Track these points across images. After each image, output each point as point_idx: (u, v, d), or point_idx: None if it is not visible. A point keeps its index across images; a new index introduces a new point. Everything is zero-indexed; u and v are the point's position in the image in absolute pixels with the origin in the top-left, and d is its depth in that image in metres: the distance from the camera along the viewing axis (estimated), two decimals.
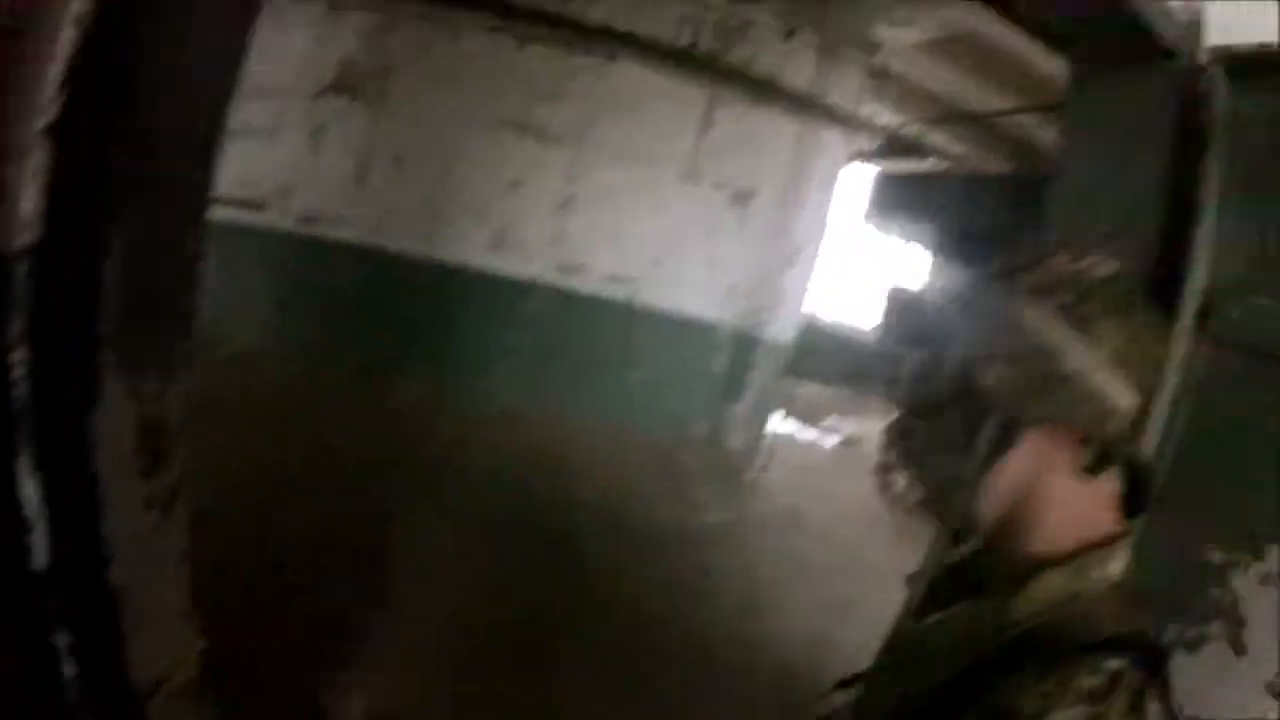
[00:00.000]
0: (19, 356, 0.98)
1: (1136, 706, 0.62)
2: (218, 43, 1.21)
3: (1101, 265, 0.74)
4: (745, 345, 5.70)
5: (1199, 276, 1.47)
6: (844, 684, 0.88)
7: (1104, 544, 0.72)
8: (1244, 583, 1.29)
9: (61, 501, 1.04)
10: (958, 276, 0.81)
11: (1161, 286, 1.48)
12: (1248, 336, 1.40)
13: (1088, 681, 0.61)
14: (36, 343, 0.99)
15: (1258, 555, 1.29)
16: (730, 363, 5.71)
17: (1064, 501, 0.73)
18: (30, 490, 1.01)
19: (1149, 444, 0.79)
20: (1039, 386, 0.69)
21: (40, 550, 1.04)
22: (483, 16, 5.82)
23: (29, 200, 0.97)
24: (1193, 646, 1.31)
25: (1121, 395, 0.70)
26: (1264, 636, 1.26)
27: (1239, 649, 1.27)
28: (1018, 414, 0.71)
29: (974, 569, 0.78)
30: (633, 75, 5.71)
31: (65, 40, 0.96)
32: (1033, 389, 0.69)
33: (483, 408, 5.38)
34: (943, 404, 0.76)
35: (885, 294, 10.05)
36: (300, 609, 2.86)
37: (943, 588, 0.80)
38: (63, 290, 1.02)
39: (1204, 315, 1.45)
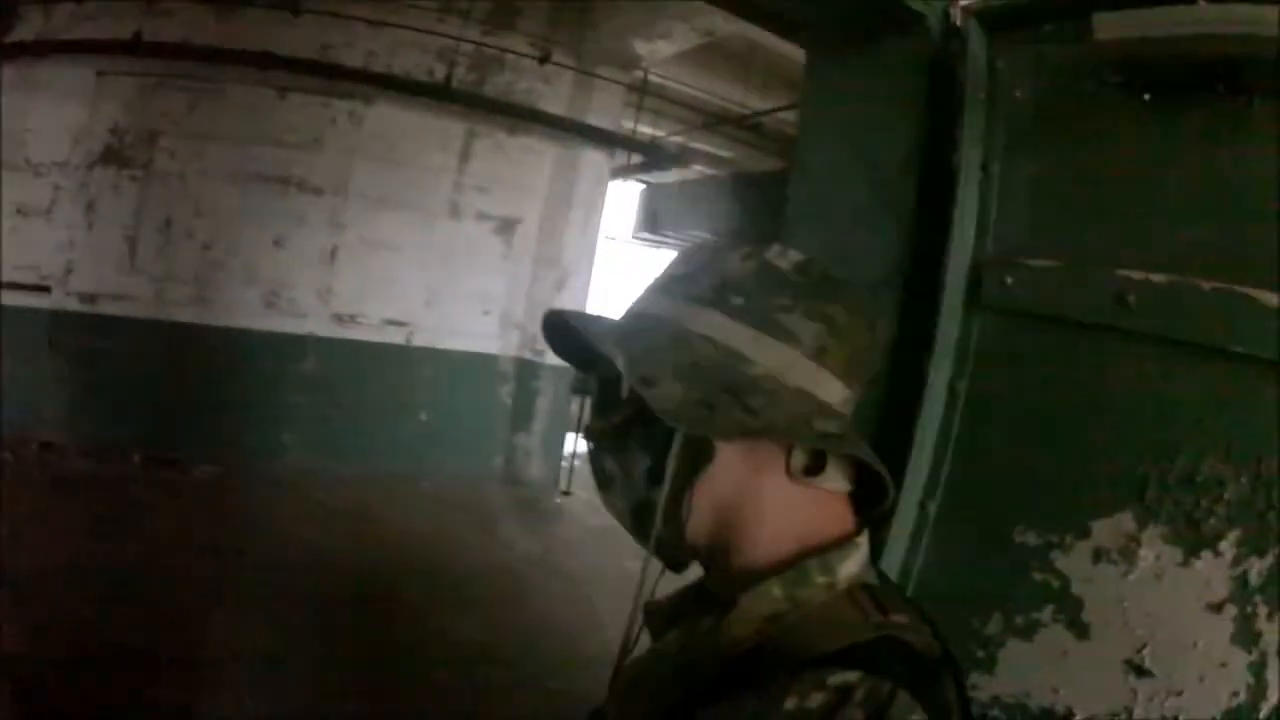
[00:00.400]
0: None
1: None
2: None
3: (782, 257, 0.67)
4: (529, 372, 5.86)
5: (963, 247, 1.34)
6: None
7: (830, 547, 0.66)
8: (1071, 562, 1.17)
9: None
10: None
11: (926, 261, 1.38)
12: (1028, 302, 1.26)
13: (814, 698, 0.55)
14: None
15: (1082, 532, 1.16)
16: (515, 392, 5.88)
17: (779, 508, 0.67)
18: None
19: (863, 432, 0.70)
20: (721, 398, 0.62)
21: None
22: (244, 70, 5.79)
23: None
24: (1027, 634, 1.21)
25: (828, 388, 0.65)
26: (1108, 614, 1.14)
27: (1080, 632, 1.15)
28: (702, 430, 0.63)
29: (701, 593, 0.72)
30: (390, 117, 5.75)
31: None
32: (713, 401, 0.62)
33: (279, 475, 5.49)
34: (623, 430, 0.70)
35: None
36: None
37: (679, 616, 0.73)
38: None
39: (974, 286, 1.33)
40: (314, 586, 4.09)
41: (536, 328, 5.90)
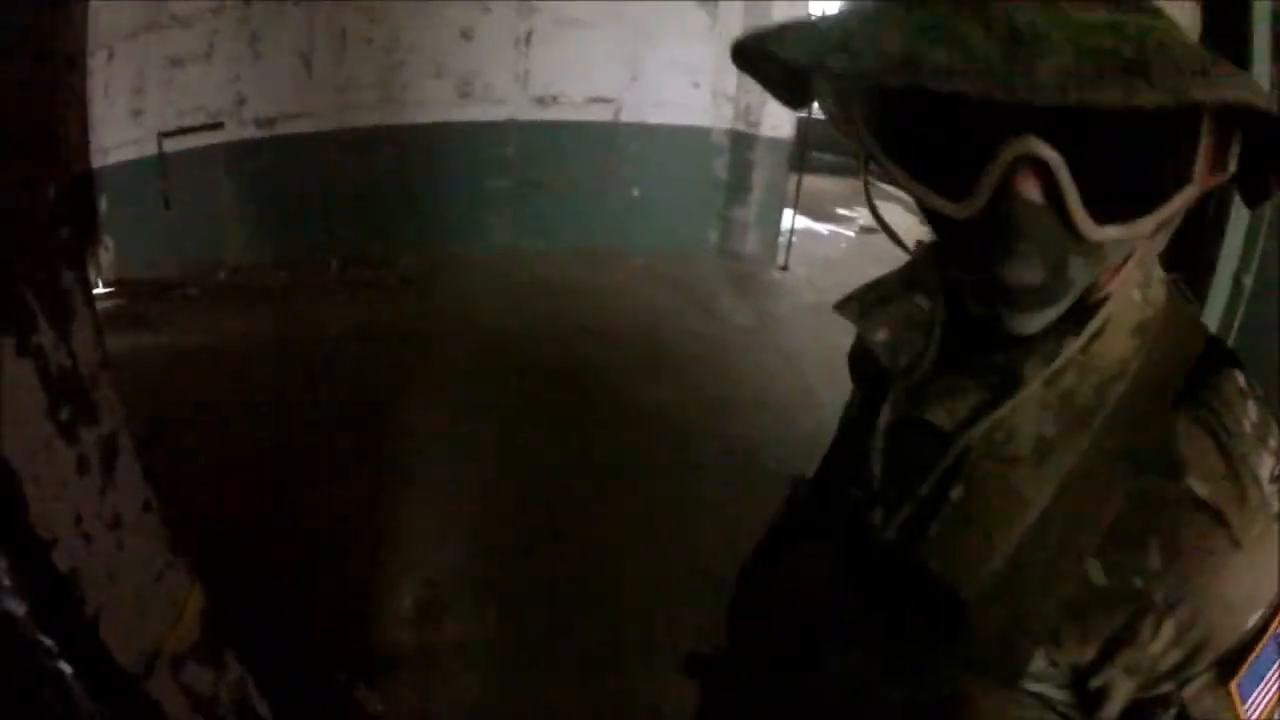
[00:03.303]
0: None
1: None
2: None
3: None
4: (743, 145, 5.42)
5: None
6: None
7: None
8: None
9: None
10: None
11: None
12: None
13: (1249, 409, 0.51)
14: None
15: None
16: (730, 166, 5.44)
17: None
18: None
19: None
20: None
21: None
22: None
23: None
24: None
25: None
26: None
27: None
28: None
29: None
30: None
31: None
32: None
33: (482, 259, 5.15)
34: None
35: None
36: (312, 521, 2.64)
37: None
38: None
39: None
40: (513, 361, 3.86)
41: (749, 99, 5.56)
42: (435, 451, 3.13)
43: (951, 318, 0.55)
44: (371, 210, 5.34)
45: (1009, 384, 0.51)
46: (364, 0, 5.49)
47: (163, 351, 4.09)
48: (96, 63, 6.15)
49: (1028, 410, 0.52)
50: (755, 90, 5.62)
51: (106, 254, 6.17)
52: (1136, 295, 0.53)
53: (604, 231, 5.34)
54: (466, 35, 5.36)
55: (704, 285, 5.09)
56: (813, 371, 3.99)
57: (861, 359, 0.67)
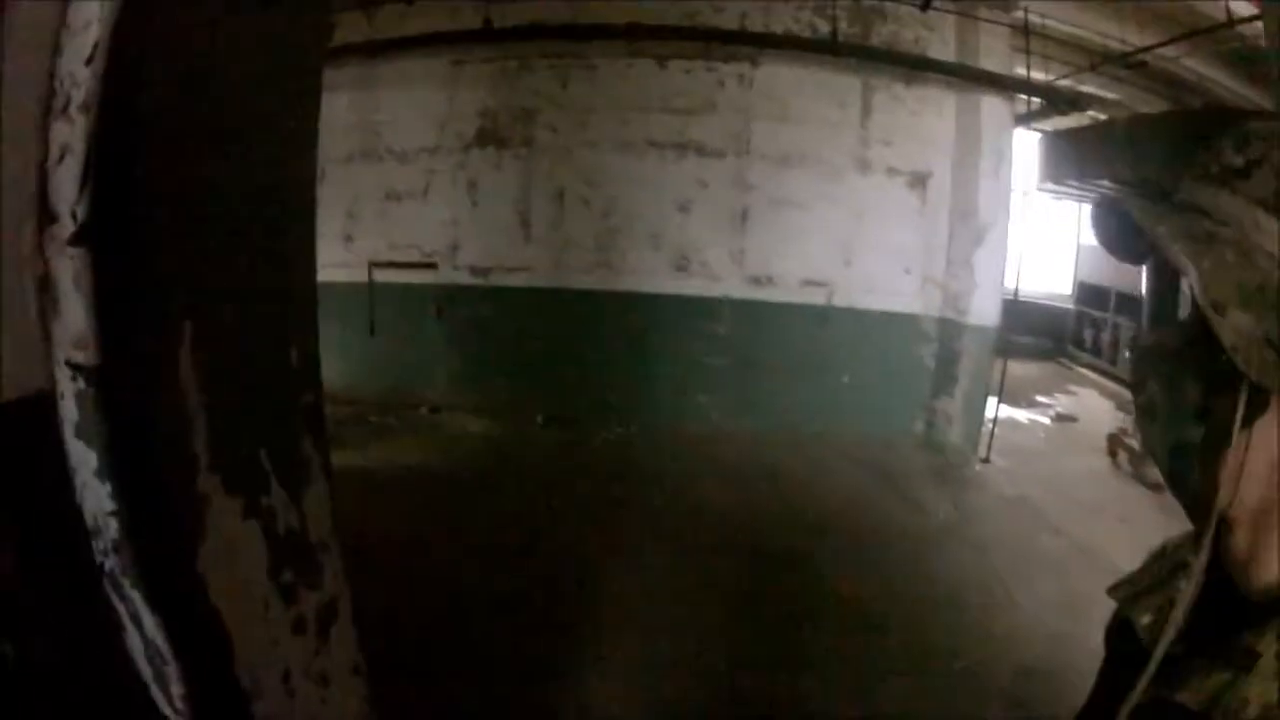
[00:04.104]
0: (101, 490, 0.82)
1: None
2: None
3: None
4: (951, 333, 5.48)
5: None
6: None
7: None
8: None
9: (187, 641, 0.88)
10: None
11: None
12: None
13: None
14: (119, 475, 0.82)
15: None
16: (938, 353, 5.50)
17: None
18: (152, 629, 0.86)
19: None
20: None
21: (176, 694, 0.89)
22: (613, 43, 5.78)
23: (77, 313, 0.78)
24: None
25: None
26: None
27: None
28: (1271, 383, 0.51)
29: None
30: (780, 75, 5.59)
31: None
32: None
33: (689, 436, 5.32)
34: (1180, 353, 0.58)
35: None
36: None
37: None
38: (135, 412, 0.82)
39: None
40: (718, 540, 3.91)
41: (957, 286, 5.63)
42: (636, 625, 3.21)
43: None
44: (579, 369, 5.59)
45: (1247, 661, 0.54)
46: (582, 160, 5.80)
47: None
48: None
49: (1259, 681, 0.53)
50: (963, 276, 5.73)
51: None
52: None
53: (812, 415, 5.44)
54: (684, 209, 5.59)
55: (905, 476, 5.15)
56: (1008, 569, 3.98)
57: (1118, 635, 0.69)
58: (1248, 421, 0.52)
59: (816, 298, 5.46)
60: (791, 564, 3.83)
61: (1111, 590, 0.68)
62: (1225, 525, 0.55)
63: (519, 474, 4.77)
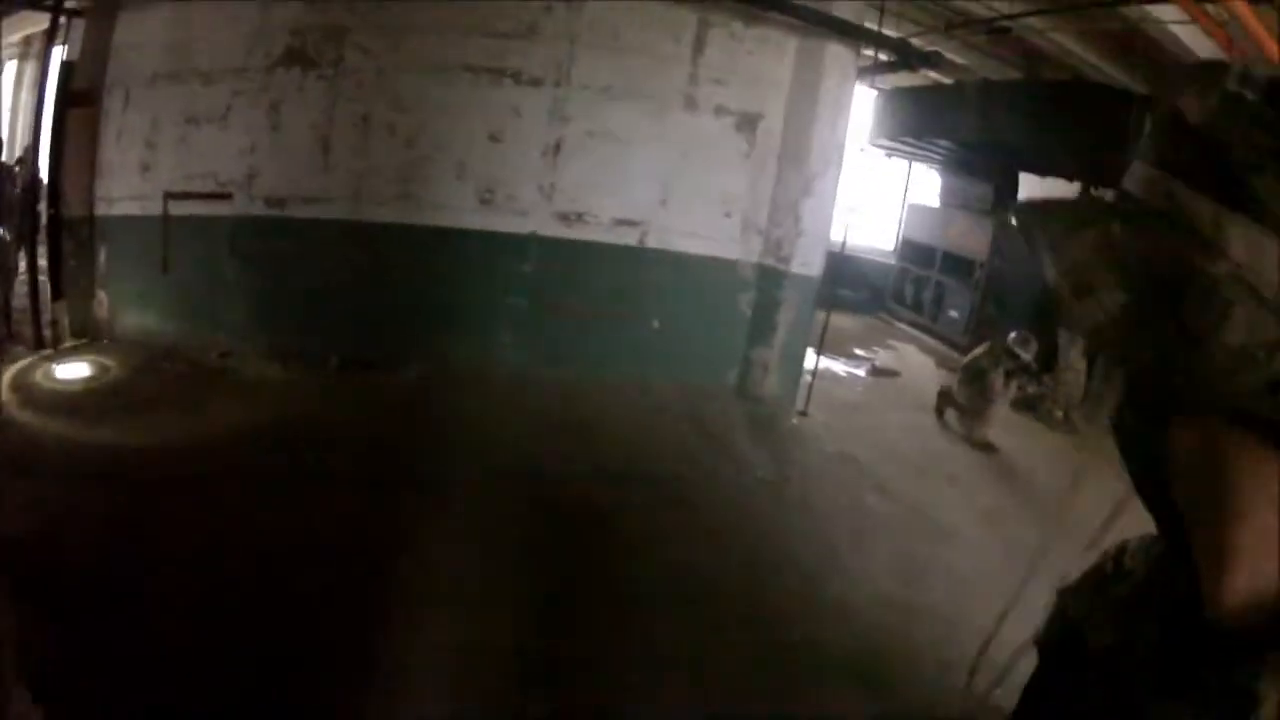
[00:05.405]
0: None
1: None
2: None
3: (1246, 82, 0.47)
4: (772, 281, 5.19)
5: None
6: None
7: None
8: None
9: None
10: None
11: None
12: None
13: None
14: None
15: None
16: (757, 301, 5.21)
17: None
18: None
19: None
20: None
21: None
22: None
23: None
24: None
25: None
26: None
27: None
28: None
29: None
30: (613, 4, 5.19)
31: None
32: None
33: (491, 380, 4.90)
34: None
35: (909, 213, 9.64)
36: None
37: None
38: None
39: None
40: (517, 502, 3.54)
41: (781, 232, 5.36)
42: (428, 589, 2.83)
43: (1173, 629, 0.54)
44: (379, 309, 5.09)
45: (1243, 704, 0.50)
46: (392, 84, 5.28)
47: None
48: (113, 104, 5.94)
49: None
50: (787, 224, 5.48)
51: (100, 308, 5.91)
52: None
53: (622, 362, 5.07)
54: (495, 139, 5.14)
55: (721, 428, 4.85)
56: (836, 531, 3.78)
57: (1057, 646, 0.66)
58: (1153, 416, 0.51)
59: (630, 238, 5.08)
60: (603, 524, 3.46)
61: (1061, 595, 0.64)
62: (1192, 543, 0.51)
63: (313, 425, 4.25)
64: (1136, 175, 0.52)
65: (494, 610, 2.75)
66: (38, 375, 4.71)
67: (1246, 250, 0.45)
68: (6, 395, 4.37)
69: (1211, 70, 0.50)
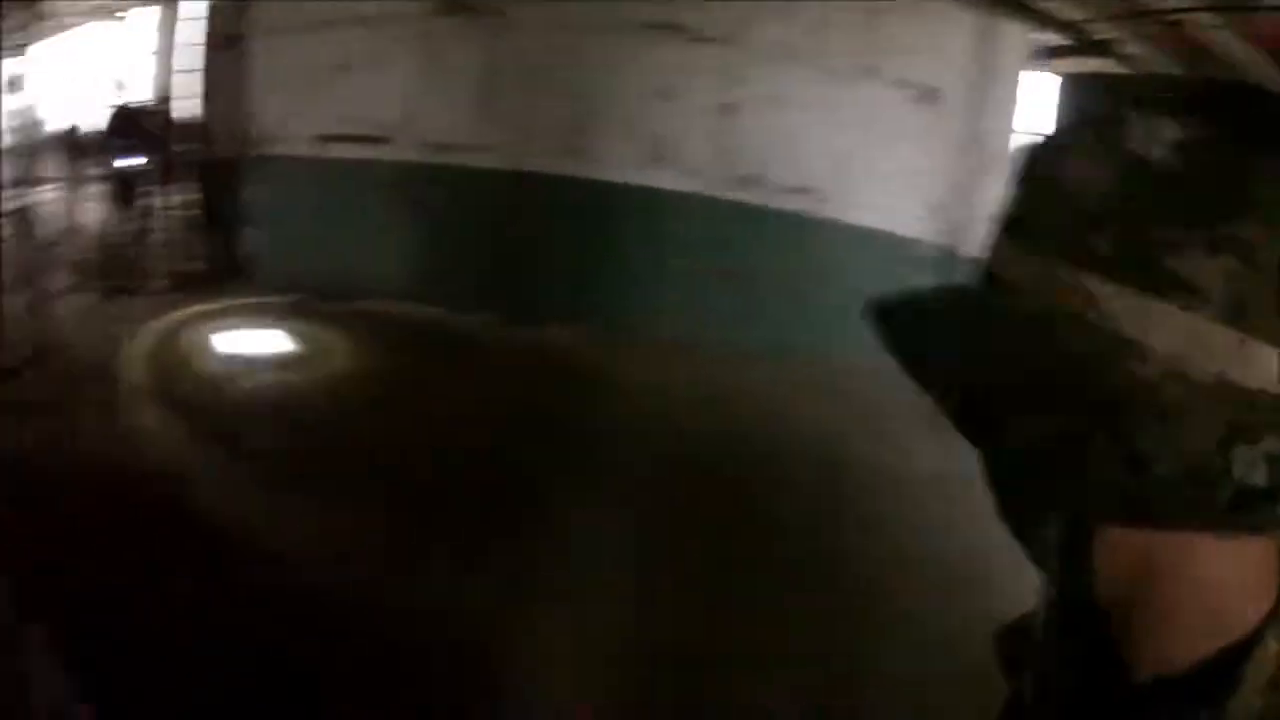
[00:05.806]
0: None
1: None
2: None
3: (1150, 142, 0.37)
4: (948, 265, 4.93)
5: None
6: None
7: None
8: None
9: None
10: None
11: None
12: None
13: None
14: None
15: None
16: (932, 283, 4.95)
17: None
18: None
19: None
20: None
21: None
22: None
23: None
24: None
25: (1257, 367, 0.35)
26: None
27: None
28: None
29: None
30: None
31: None
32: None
33: (645, 343, 4.71)
34: None
35: None
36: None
37: None
38: None
39: None
40: (663, 474, 3.37)
41: (960, 213, 5.11)
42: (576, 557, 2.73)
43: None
44: (536, 262, 4.95)
45: None
46: (559, 37, 5.17)
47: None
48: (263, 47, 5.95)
49: None
50: (965, 206, 5.22)
51: (242, 246, 5.88)
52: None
53: (784, 334, 4.84)
54: (665, 96, 4.99)
55: (884, 412, 4.59)
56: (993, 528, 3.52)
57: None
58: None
59: (803, 205, 4.88)
60: (753, 508, 3.29)
61: (994, 638, 0.58)
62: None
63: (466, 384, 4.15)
64: (1005, 256, 0.43)
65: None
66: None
67: (1181, 342, 0.36)
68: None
69: (1105, 123, 0.41)
